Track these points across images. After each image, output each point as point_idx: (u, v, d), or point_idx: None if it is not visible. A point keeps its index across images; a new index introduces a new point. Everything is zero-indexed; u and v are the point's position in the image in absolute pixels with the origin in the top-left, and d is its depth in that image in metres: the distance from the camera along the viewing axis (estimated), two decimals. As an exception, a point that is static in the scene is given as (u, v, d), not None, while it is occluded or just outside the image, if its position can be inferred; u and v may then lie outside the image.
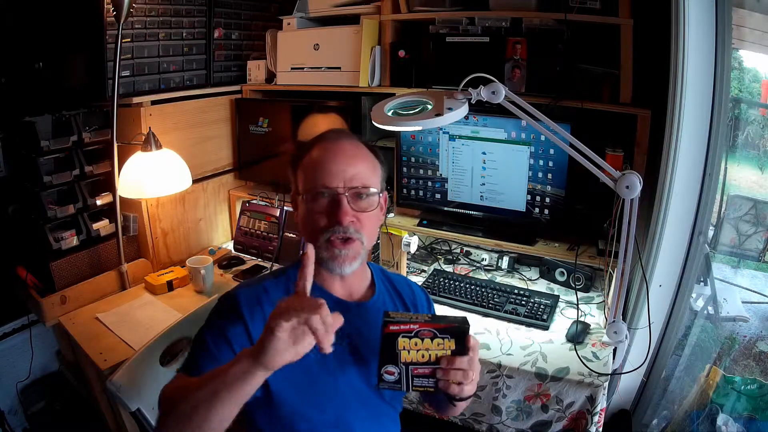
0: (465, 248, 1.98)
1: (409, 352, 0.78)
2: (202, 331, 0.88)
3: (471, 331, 0.80)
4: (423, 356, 0.79)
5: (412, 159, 1.78)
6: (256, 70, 2.09)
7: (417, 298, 1.06)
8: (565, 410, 1.30)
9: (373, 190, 0.89)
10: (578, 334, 1.44)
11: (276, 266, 1.88)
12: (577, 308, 1.55)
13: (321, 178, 0.87)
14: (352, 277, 0.95)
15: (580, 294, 1.66)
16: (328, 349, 0.68)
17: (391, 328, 0.78)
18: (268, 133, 2.03)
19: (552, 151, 1.55)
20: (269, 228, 1.99)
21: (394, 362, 0.79)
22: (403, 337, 0.78)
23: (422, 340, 0.78)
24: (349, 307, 0.94)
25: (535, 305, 1.58)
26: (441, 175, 1.75)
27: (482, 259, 1.92)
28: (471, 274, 1.85)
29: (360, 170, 0.88)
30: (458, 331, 0.79)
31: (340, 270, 0.88)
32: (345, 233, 0.86)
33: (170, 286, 1.74)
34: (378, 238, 1.88)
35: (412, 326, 0.78)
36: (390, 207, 1.89)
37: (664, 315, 1.41)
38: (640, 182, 1.14)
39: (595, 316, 1.58)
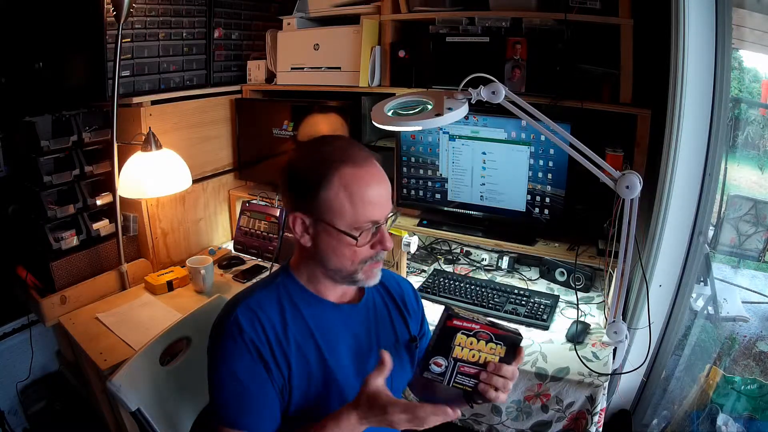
0: (465, 248, 1.98)
1: (462, 349, 0.79)
2: (220, 375, 0.83)
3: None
4: (473, 356, 0.80)
5: (412, 159, 1.78)
6: (256, 70, 2.09)
7: (405, 293, 1.06)
8: (565, 410, 1.30)
9: None
10: (578, 334, 1.44)
11: (276, 267, 1.87)
12: (577, 308, 1.55)
13: (370, 212, 0.83)
14: None
15: (580, 294, 1.66)
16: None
17: (455, 322, 0.79)
18: (294, 136, 1.99)
19: (552, 151, 1.55)
20: (269, 228, 1.99)
21: (446, 355, 0.79)
22: (462, 333, 0.79)
23: (478, 341, 0.79)
24: (342, 309, 0.94)
25: (535, 305, 1.58)
26: (441, 175, 1.75)
27: (482, 259, 1.92)
28: (471, 274, 1.85)
29: (389, 194, 0.87)
30: (512, 341, 0.80)
31: (371, 284, 0.90)
32: (383, 257, 0.88)
33: (170, 286, 1.74)
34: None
35: (474, 325, 0.79)
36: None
37: (664, 315, 1.41)
38: (640, 182, 1.14)
39: (595, 316, 1.58)
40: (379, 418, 0.79)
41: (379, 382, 0.80)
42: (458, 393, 0.81)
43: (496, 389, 0.80)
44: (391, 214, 0.90)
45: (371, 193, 0.83)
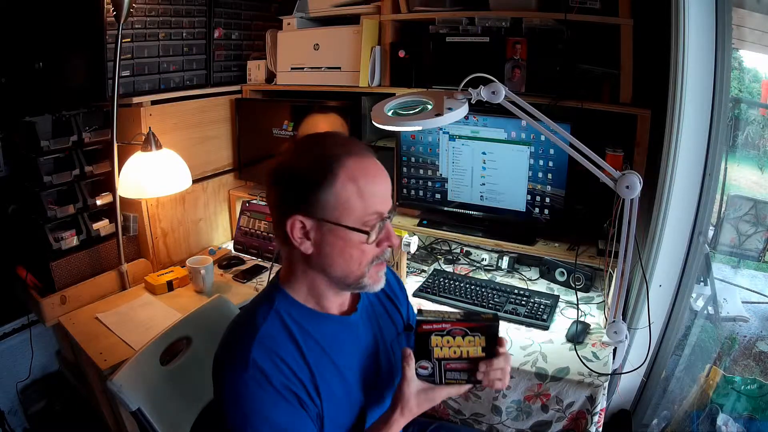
0: (465, 248, 1.98)
1: (441, 348, 0.83)
2: (254, 425, 0.76)
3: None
4: (455, 353, 0.83)
5: (412, 159, 1.78)
6: (256, 70, 2.09)
7: (389, 281, 1.01)
8: (565, 410, 1.30)
9: None
10: (578, 334, 1.44)
11: (276, 267, 1.87)
12: (577, 308, 1.55)
13: (376, 205, 0.79)
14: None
15: (580, 294, 1.66)
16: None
17: (424, 327, 0.83)
18: (294, 136, 1.97)
19: (552, 151, 1.55)
20: (269, 228, 1.99)
21: (428, 358, 0.84)
22: (435, 335, 0.83)
23: (454, 338, 0.83)
24: (349, 323, 0.90)
25: (535, 305, 1.58)
26: (441, 175, 1.75)
27: (482, 259, 1.92)
28: (471, 274, 1.85)
29: (390, 188, 0.83)
30: (489, 329, 0.83)
31: (377, 289, 0.85)
32: (388, 256, 0.85)
33: (170, 286, 1.74)
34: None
35: (444, 325, 0.83)
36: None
37: (664, 315, 1.41)
38: (640, 182, 1.14)
39: (595, 316, 1.58)
40: (427, 407, 0.85)
41: (415, 381, 0.84)
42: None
43: (499, 379, 0.84)
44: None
45: (378, 184, 0.80)
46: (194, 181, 1.83)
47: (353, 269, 0.81)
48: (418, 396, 0.84)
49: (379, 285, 0.85)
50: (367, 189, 0.78)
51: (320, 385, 0.81)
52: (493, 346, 0.83)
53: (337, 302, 0.89)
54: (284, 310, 0.84)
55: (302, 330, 0.83)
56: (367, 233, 0.78)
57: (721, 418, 1.46)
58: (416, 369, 0.84)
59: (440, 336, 0.82)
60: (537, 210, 1.63)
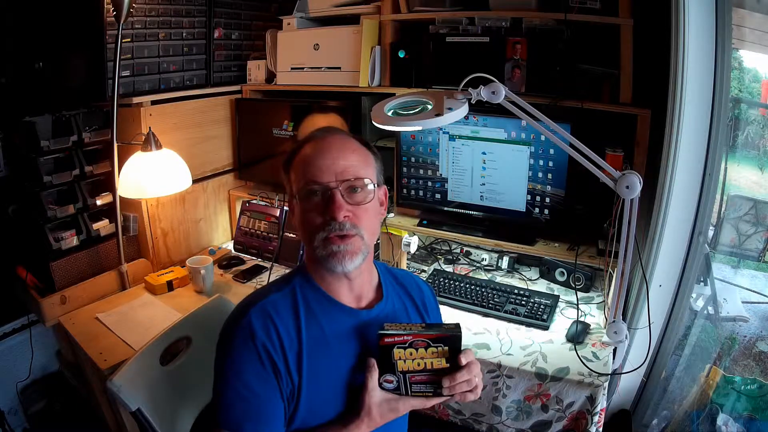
0: (465, 248, 1.98)
1: (405, 361, 0.82)
2: (227, 376, 0.81)
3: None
4: (419, 365, 0.82)
5: (412, 159, 1.78)
6: (256, 70, 2.09)
7: (425, 295, 1.04)
8: (565, 410, 1.30)
9: (367, 181, 0.86)
10: (578, 334, 1.44)
11: (276, 267, 1.88)
12: (577, 308, 1.55)
13: (311, 174, 0.84)
14: (360, 280, 0.91)
15: (580, 294, 1.66)
16: None
17: (386, 340, 0.82)
18: (294, 136, 1.97)
19: (552, 151, 1.55)
20: (269, 228, 1.99)
21: (392, 371, 0.83)
22: (398, 348, 0.81)
23: (416, 349, 0.82)
24: (359, 315, 0.90)
25: (535, 305, 1.58)
26: (441, 175, 1.75)
27: (482, 259, 1.92)
28: (471, 274, 1.85)
29: (351, 162, 0.85)
30: (451, 339, 0.82)
31: (342, 267, 0.84)
32: (341, 229, 0.82)
33: (170, 286, 1.74)
34: (378, 238, 1.88)
35: (406, 337, 0.81)
36: (390, 207, 1.89)
37: (664, 315, 1.41)
38: (640, 182, 1.14)
39: (595, 316, 1.58)
40: (391, 418, 0.83)
41: (377, 391, 0.83)
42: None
43: (468, 392, 0.84)
44: (350, 181, 0.84)
45: (318, 156, 0.85)
46: (194, 181, 1.83)
47: (308, 238, 0.86)
48: (380, 406, 0.83)
49: (338, 262, 0.83)
50: (307, 160, 0.86)
51: (306, 363, 0.83)
52: (456, 356, 0.82)
53: (347, 292, 0.90)
54: (299, 287, 0.89)
55: (310, 312, 0.87)
56: (297, 198, 0.86)
57: (721, 418, 1.46)
58: (382, 383, 0.83)
59: (402, 348, 0.81)
60: (537, 210, 1.63)
